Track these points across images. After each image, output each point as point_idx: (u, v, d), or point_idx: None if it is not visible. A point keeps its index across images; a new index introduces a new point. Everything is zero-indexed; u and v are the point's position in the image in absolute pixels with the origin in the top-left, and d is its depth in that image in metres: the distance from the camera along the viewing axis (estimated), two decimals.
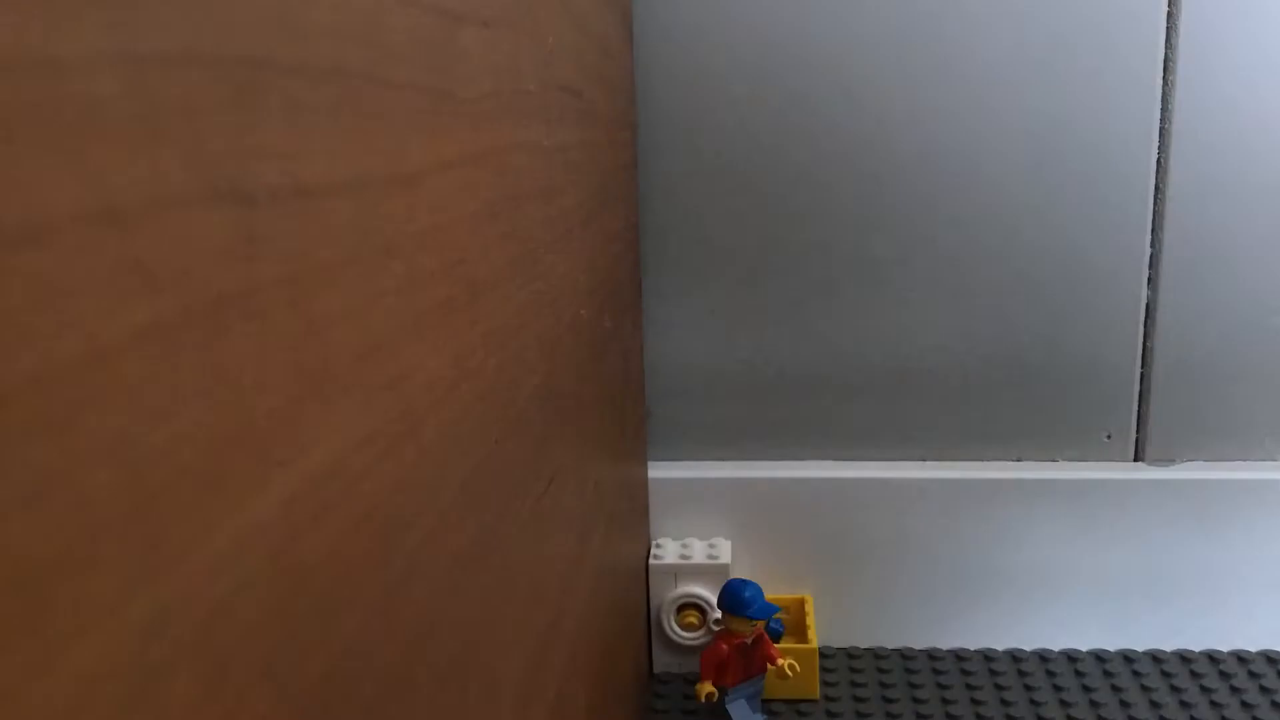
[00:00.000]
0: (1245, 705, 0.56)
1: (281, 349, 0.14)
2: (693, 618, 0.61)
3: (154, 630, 0.11)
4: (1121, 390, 0.62)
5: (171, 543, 0.12)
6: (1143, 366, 0.61)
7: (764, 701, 0.57)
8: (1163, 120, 0.58)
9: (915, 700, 0.58)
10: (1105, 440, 0.62)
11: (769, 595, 0.61)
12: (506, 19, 0.27)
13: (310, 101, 0.15)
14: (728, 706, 0.54)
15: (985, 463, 0.63)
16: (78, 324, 0.10)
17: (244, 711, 0.13)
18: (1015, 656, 0.62)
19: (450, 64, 0.22)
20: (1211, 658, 0.61)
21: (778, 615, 0.58)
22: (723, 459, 0.64)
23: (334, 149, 0.16)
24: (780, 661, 0.54)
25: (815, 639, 0.59)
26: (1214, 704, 0.57)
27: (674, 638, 0.61)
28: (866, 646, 0.64)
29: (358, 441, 0.17)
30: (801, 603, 0.62)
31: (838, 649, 0.64)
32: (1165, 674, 0.60)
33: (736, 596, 0.54)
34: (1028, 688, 0.59)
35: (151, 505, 0.11)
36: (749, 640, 0.54)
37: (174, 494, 0.12)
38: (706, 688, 0.53)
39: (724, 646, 0.54)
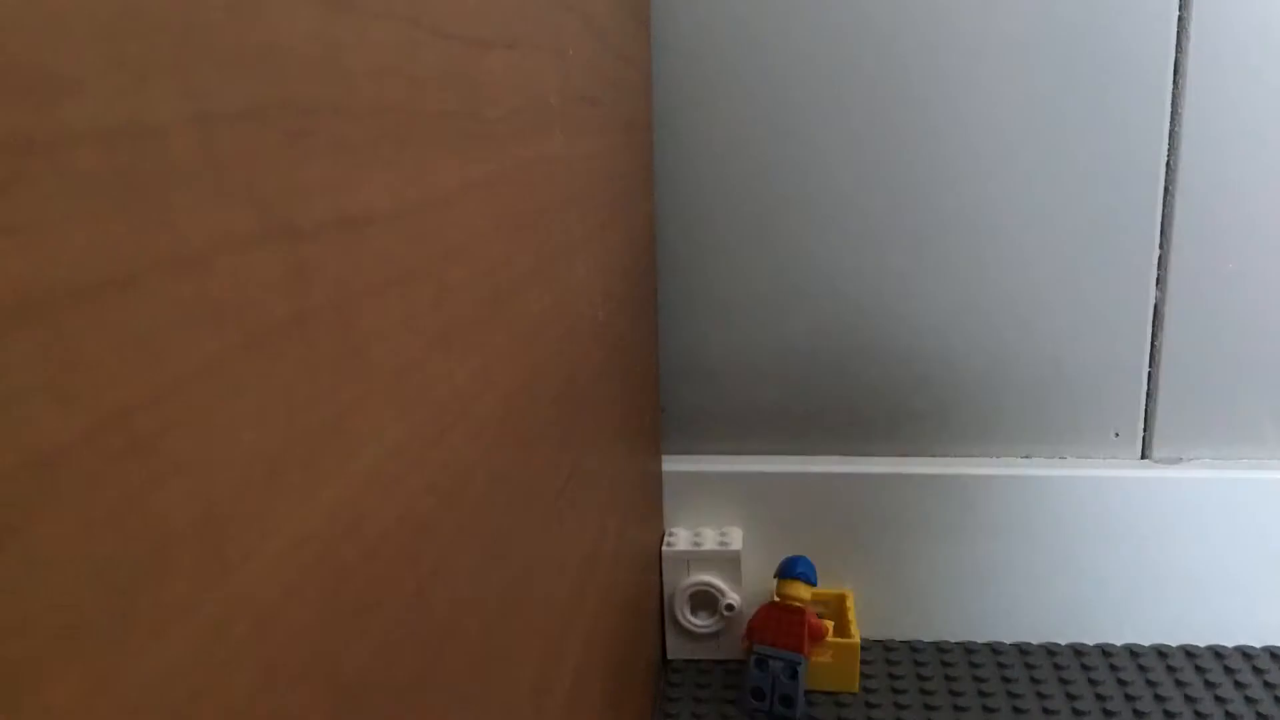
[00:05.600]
0: (1249, 700, 0.57)
1: (328, 369, 0.16)
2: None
3: (220, 629, 0.13)
4: (1129, 389, 0.63)
5: (234, 549, 0.13)
6: (1151, 366, 0.62)
7: (805, 693, 0.59)
8: (1172, 122, 0.59)
9: (952, 693, 0.59)
10: (1113, 438, 0.63)
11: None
12: (530, 39, 0.28)
13: (353, 137, 0.17)
14: (752, 658, 0.58)
15: (993, 459, 0.64)
16: (158, 360, 0.11)
17: (293, 702, 0.14)
18: (1050, 650, 0.63)
19: (478, 88, 0.24)
20: (1217, 653, 0.62)
21: (819, 612, 0.61)
22: (736, 454, 0.65)
23: (374, 179, 0.18)
24: (815, 648, 0.58)
25: (857, 634, 0.60)
26: (1218, 699, 0.57)
27: (687, 625, 0.62)
28: (902, 640, 0.65)
29: (392, 451, 0.18)
30: (842, 598, 0.63)
31: (873, 641, 0.65)
32: (1171, 669, 0.61)
33: (786, 562, 0.60)
34: (1063, 681, 0.60)
35: (217, 516, 0.13)
36: (785, 605, 0.58)
37: (236, 505, 0.13)
38: (743, 643, 0.60)
39: (763, 606, 0.59)
